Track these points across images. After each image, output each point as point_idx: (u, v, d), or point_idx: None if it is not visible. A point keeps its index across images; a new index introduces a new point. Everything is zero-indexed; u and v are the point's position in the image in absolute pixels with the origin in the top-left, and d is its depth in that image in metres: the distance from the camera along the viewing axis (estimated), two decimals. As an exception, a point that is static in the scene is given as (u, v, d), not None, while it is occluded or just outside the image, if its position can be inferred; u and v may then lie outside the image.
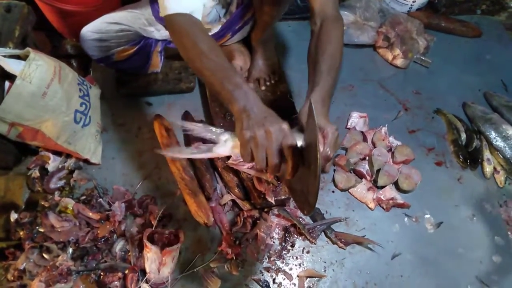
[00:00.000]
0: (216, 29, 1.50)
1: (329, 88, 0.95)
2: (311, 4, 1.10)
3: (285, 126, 0.81)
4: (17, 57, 1.23)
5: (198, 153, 0.93)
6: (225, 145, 0.90)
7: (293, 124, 0.92)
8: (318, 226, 1.35)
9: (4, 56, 1.19)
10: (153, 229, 1.28)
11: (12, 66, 1.18)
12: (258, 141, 0.79)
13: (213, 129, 0.92)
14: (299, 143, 0.85)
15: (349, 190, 1.47)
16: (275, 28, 1.93)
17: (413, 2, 1.98)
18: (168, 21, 0.99)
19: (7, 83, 1.24)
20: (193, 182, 1.37)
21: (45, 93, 1.22)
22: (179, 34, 0.96)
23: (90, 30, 1.37)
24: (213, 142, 0.92)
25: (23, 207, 1.35)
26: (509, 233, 1.42)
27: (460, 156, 1.56)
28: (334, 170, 1.49)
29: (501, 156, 1.57)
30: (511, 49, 1.97)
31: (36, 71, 1.19)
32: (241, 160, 1.25)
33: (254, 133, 0.79)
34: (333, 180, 1.48)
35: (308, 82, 1.02)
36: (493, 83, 1.83)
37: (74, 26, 1.57)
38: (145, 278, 1.21)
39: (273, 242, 1.34)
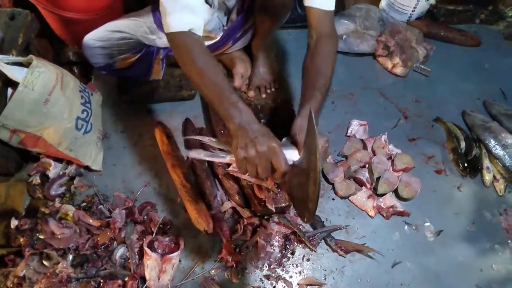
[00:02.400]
0: (217, 37, 1.51)
1: (320, 104, 1.05)
2: (309, 19, 1.16)
3: (274, 145, 0.90)
4: (20, 64, 1.24)
5: (216, 158, 1.03)
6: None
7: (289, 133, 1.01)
8: (318, 234, 1.36)
9: (7, 63, 1.20)
10: (153, 236, 1.28)
11: (15, 73, 1.20)
12: (250, 160, 0.91)
13: (218, 153, 1.02)
14: (292, 156, 0.94)
15: (349, 198, 1.47)
16: (276, 36, 1.94)
17: (412, 11, 2.00)
18: (170, 39, 1.04)
19: (9, 90, 1.25)
20: (193, 189, 1.37)
21: (47, 100, 1.23)
22: (179, 51, 1.03)
23: (92, 38, 1.38)
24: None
25: (24, 213, 1.35)
26: (509, 241, 1.41)
27: (460, 164, 1.57)
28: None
29: (500, 165, 1.57)
30: (509, 58, 1.99)
31: (38, 78, 1.20)
32: None
33: (247, 153, 0.90)
34: (333, 188, 1.49)
35: (301, 96, 1.09)
36: (492, 92, 1.84)
37: (76, 33, 1.59)
38: (145, 286, 1.21)
39: (273, 249, 1.33)
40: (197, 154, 1.04)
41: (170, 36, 1.03)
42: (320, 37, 1.13)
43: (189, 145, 1.51)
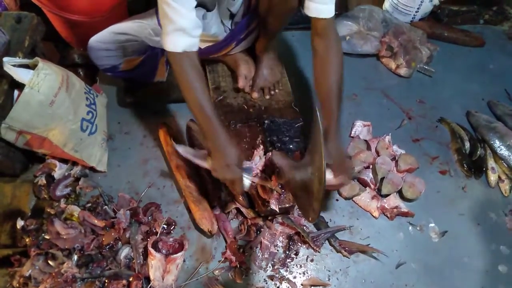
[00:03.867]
0: (221, 37, 1.52)
1: (338, 115, 1.17)
2: (314, 28, 1.21)
3: (238, 176, 1.16)
4: (26, 66, 1.25)
5: (198, 160, 1.20)
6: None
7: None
8: (322, 235, 1.35)
9: (14, 66, 1.21)
10: (158, 236, 1.28)
11: (21, 75, 1.21)
12: (220, 179, 1.17)
13: (201, 155, 1.21)
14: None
15: (353, 199, 1.47)
16: (279, 38, 1.95)
17: (416, 12, 2.00)
18: (168, 55, 1.14)
19: (16, 92, 1.27)
20: (197, 190, 1.38)
21: (53, 101, 1.24)
22: (176, 71, 1.13)
23: (97, 41, 1.40)
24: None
25: (29, 214, 1.36)
26: (514, 242, 1.41)
27: (464, 165, 1.56)
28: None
29: (505, 165, 1.56)
30: (514, 58, 1.98)
31: (44, 80, 1.21)
32: None
33: (218, 175, 1.15)
34: (337, 189, 1.49)
35: (323, 110, 1.17)
36: (496, 92, 1.84)
37: (81, 36, 1.61)
38: (149, 286, 1.22)
39: (277, 250, 1.34)
40: (184, 151, 1.21)
41: (168, 53, 1.12)
42: (328, 45, 1.19)
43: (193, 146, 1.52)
